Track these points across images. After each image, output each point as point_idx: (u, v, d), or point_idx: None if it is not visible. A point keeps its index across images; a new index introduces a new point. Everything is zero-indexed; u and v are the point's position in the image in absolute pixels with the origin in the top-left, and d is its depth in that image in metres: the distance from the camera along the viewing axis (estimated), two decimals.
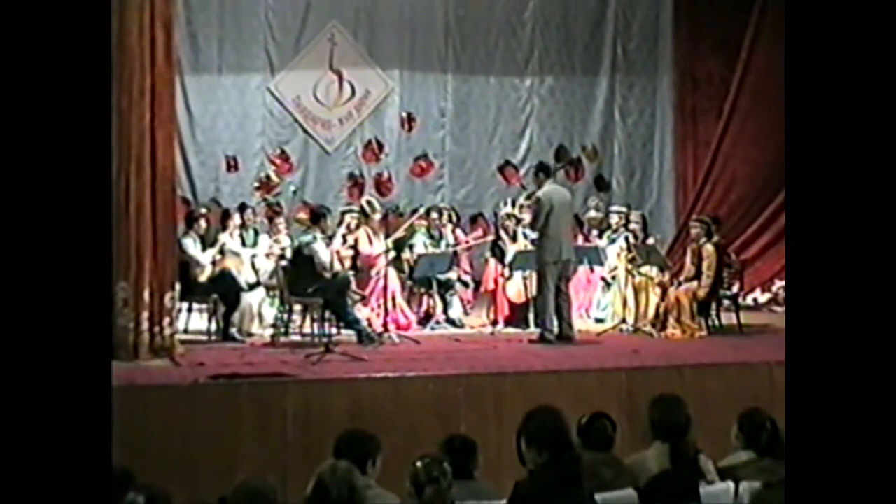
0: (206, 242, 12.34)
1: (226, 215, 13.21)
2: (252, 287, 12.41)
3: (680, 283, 13.04)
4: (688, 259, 13.41)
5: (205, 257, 12.15)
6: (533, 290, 13.24)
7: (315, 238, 11.79)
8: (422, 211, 14.26)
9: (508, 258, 13.40)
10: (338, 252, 12.53)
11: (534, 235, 13.14)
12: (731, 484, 5.98)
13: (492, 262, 13.71)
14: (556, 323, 11.98)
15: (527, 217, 13.82)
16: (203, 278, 12.12)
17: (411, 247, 13.56)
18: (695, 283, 12.88)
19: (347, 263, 12.68)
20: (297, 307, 12.34)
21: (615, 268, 13.68)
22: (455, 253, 14.07)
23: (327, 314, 11.65)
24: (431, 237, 13.85)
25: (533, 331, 12.88)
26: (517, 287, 13.39)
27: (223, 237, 12.51)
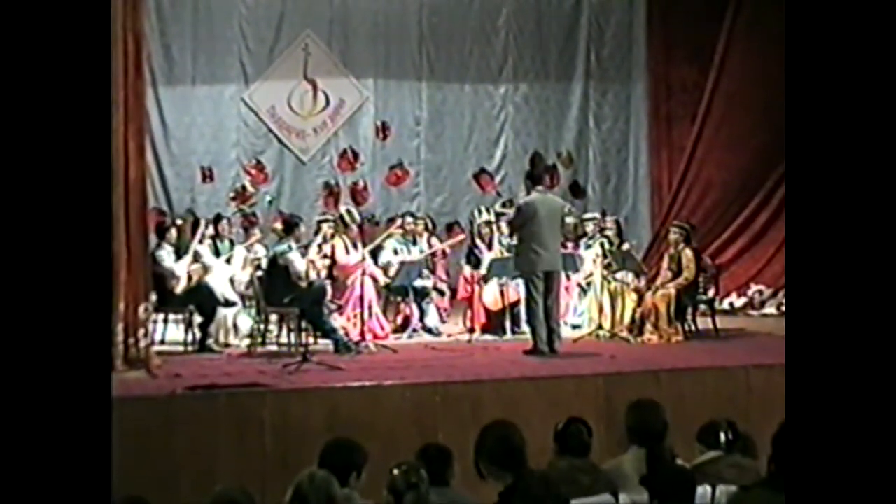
0: (180, 253, 12.30)
1: (196, 225, 13.16)
2: (229, 304, 12.37)
3: (657, 289, 13.06)
4: (665, 264, 13.44)
5: (180, 268, 12.11)
6: (509, 298, 13.26)
7: (290, 248, 11.78)
8: (399, 222, 14.21)
9: (484, 266, 13.38)
10: (313, 262, 12.50)
11: (512, 242, 13.13)
12: (707, 487, 6.00)
13: (467, 269, 13.68)
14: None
15: (504, 224, 13.81)
16: (179, 290, 12.09)
17: (382, 249, 13.53)
18: (671, 290, 12.90)
19: (323, 273, 12.64)
20: (274, 317, 12.32)
21: (591, 274, 13.67)
22: (431, 259, 14.07)
23: (304, 324, 11.64)
24: (406, 243, 13.84)
25: (510, 338, 12.90)
26: (493, 294, 13.39)
27: (195, 247, 12.45)
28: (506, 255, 13.28)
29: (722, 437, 6.49)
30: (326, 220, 13.58)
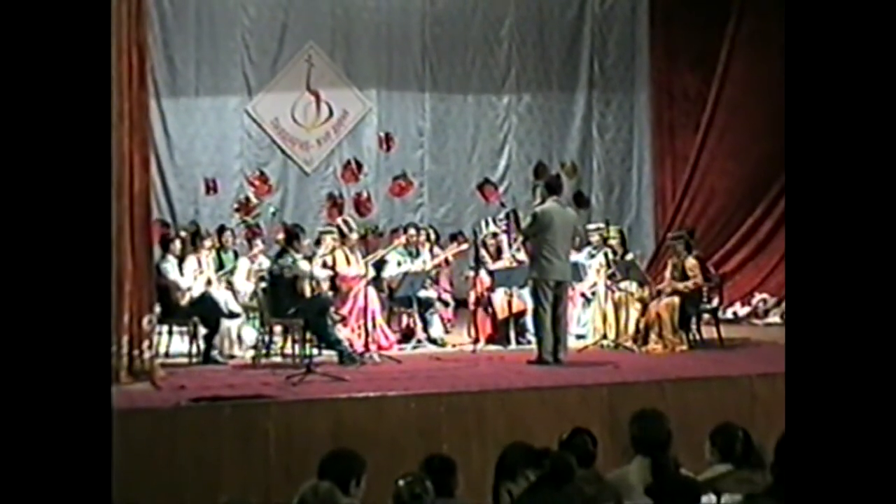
0: (185, 264, 12.30)
1: (196, 236, 13.12)
2: (233, 315, 12.35)
3: (661, 293, 13.05)
4: (668, 273, 13.42)
5: (185, 281, 12.11)
6: (515, 307, 13.23)
7: (295, 259, 11.76)
8: (405, 235, 14.15)
9: (489, 272, 13.37)
10: (314, 279, 12.43)
11: (520, 255, 13.11)
12: (713, 497, 5.99)
13: (482, 274, 13.55)
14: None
15: (512, 235, 13.77)
16: (184, 302, 12.08)
17: (386, 263, 13.53)
18: (676, 298, 12.89)
19: (326, 285, 12.61)
20: (278, 328, 12.31)
21: (595, 284, 13.67)
22: (435, 271, 14.04)
23: (308, 335, 11.62)
24: (409, 254, 13.83)
25: (514, 349, 12.88)
26: (500, 303, 13.36)
27: (191, 259, 12.42)
28: (513, 265, 13.27)
29: (737, 447, 6.45)
30: (329, 232, 13.55)
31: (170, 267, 12.08)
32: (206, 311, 12.01)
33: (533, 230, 11.71)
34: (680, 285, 12.97)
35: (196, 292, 12.13)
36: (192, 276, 12.22)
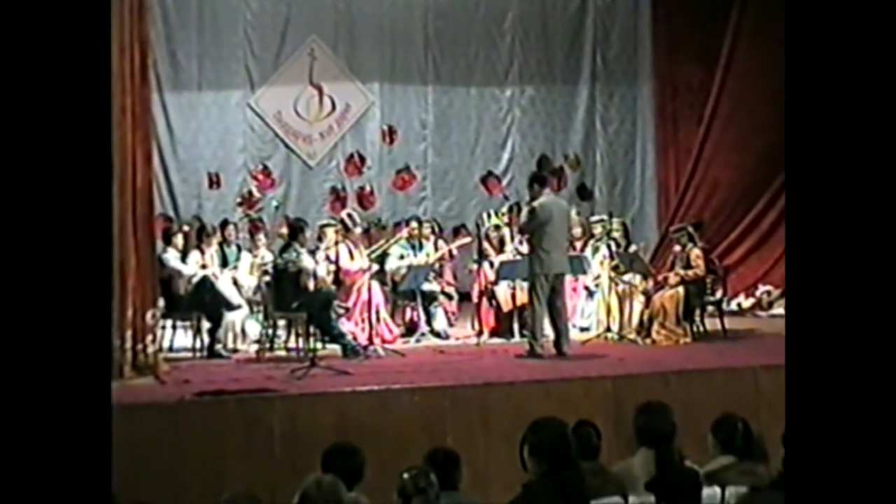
0: (188, 257, 12.32)
1: (202, 232, 13.10)
2: (232, 307, 12.33)
3: (667, 281, 13.04)
4: (673, 258, 13.41)
5: (187, 268, 12.12)
6: (519, 300, 13.22)
7: (299, 253, 11.77)
8: (407, 228, 14.16)
9: (494, 267, 13.36)
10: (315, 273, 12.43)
11: (522, 248, 13.11)
12: (717, 489, 5.99)
13: (485, 266, 13.56)
14: (551, 337, 11.80)
15: (514, 228, 13.76)
16: (184, 291, 12.08)
17: (388, 255, 13.54)
18: (680, 288, 12.89)
19: (329, 279, 12.60)
20: (282, 322, 12.31)
21: (598, 276, 13.65)
22: (439, 264, 14.04)
23: (312, 329, 11.63)
24: (412, 247, 13.83)
25: (518, 341, 12.86)
26: (504, 295, 13.36)
27: (194, 253, 12.43)
28: (517, 257, 13.27)
29: (737, 439, 6.45)
30: (330, 225, 13.51)
31: (171, 257, 12.07)
32: (207, 298, 11.99)
33: (535, 224, 11.70)
34: (683, 273, 12.97)
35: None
36: (194, 266, 12.23)
